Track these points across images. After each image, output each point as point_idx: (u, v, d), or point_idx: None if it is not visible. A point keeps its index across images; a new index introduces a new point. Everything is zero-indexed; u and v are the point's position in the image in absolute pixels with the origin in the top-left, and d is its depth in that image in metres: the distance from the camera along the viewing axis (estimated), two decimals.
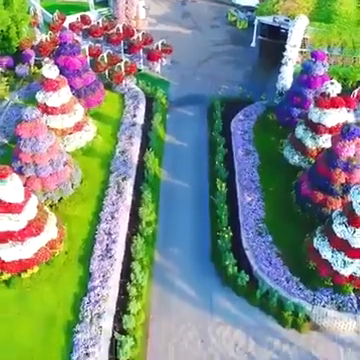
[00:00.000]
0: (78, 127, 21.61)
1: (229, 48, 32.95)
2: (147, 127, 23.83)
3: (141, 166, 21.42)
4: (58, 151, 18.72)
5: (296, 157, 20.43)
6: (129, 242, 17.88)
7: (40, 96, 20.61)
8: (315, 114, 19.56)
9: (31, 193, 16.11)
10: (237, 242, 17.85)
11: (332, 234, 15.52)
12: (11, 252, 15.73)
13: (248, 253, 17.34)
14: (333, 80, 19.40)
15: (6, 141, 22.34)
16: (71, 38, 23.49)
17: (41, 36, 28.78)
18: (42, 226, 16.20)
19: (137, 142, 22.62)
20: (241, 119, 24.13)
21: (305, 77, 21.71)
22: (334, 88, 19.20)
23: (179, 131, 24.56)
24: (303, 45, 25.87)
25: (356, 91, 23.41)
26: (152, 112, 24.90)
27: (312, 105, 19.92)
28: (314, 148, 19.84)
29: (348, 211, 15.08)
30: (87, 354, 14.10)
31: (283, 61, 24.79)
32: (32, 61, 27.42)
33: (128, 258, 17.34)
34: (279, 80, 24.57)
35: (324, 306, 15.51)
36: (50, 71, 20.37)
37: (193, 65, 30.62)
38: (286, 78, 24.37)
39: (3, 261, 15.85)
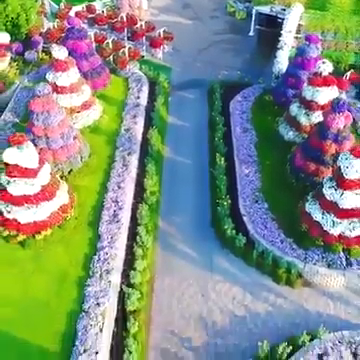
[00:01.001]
0: (86, 106, 22.94)
1: (228, 37, 34.29)
2: (150, 108, 25.14)
3: (145, 143, 22.70)
4: (68, 126, 20.04)
5: (290, 133, 21.76)
6: (135, 210, 19.21)
7: (50, 76, 21.89)
8: (308, 92, 20.89)
9: (45, 161, 17.43)
10: (235, 210, 19.15)
11: (322, 197, 16.85)
12: (26, 214, 17.06)
13: (245, 219, 18.65)
14: (325, 60, 20.68)
15: (17, 120, 23.60)
16: (78, 23, 24.81)
17: (48, 24, 30.10)
18: (54, 191, 17.54)
19: (141, 121, 23.93)
20: (239, 100, 25.44)
21: (299, 59, 23.03)
22: (326, 67, 20.50)
23: (180, 112, 25.91)
24: (298, 31, 27.22)
25: (348, 73, 24.73)
26: (155, 94, 26.24)
27: (305, 83, 21.24)
28: (307, 124, 21.13)
29: (337, 175, 16.41)
30: (98, 304, 15.38)
31: (279, 46, 26.12)
32: (40, 47, 28.74)
33: (134, 224, 18.64)
34: (275, 64, 25.92)
35: (315, 264, 16.77)
36: (60, 52, 21.69)
37: (194, 53, 31.95)
38: (282, 62, 25.70)
39: (19, 223, 17.16)
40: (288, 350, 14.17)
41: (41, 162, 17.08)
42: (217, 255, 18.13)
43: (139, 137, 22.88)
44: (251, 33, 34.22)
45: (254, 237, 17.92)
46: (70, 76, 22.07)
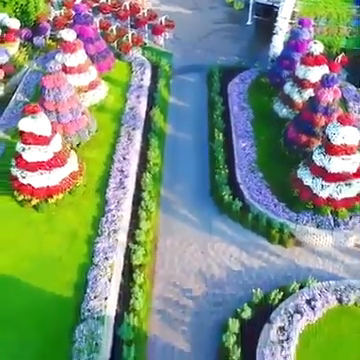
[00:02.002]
0: (92, 86, 24.45)
1: (227, 26, 35.79)
2: (153, 89, 26.63)
3: (148, 121, 24.19)
4: (77, 102, 21.53)
5: (284, 110, 23.24)
6: (139, 179, 20.69)
7: (59, 57, 23.37)
8: (301, 71, 22.39)
9: (56, 130, 18.90)
10: (232, 179, 20.61)
11: (312, 163, 18.34)
12: (40, 180, 18.54)
13: (241, 186, 20.12)
14: (316, 40, 22.16)
15: (27, 99, 25.07)
16: (84, 9, 26.30)
17: (55, 12, 31.59)
18: (65, 159, 19.02)
19: (144, 101, 25.41)
20: (237, 82, 26.93)
21: (293, 42, 24.54)
22: (317, 47, 22.02)
23: (181, 93, 27.41)
24: (292, 17, 28.70)
25: (339, 57, 26.22)
26: (157, 77, 27.73)
27: (298, 63, 22.72)
28: (300, 101, 22.60)
29: (325, 142, 17.90)
30: (106, 258, 16.85)
31: (274, 31, 27.61)
32: (48, 34, 30.22)
33: (138, 191, 20.11)
34: (271, 48, 27.44)
35: (305, 225, 18.26)
36: (68, 35, 23.20)
37: (194, 40, 33.43)
38: (277, 46, 27.19)
39: (33, 188, 18.64)
40: (279, 296, 15.65)
41: (53, 131, 18.56)
42: (215, 219, 19.60)
43: (143, 115, 24.35)
44: (249, 22, 35.71)
45: (249, 202, 19.39)
46: (78, 57, 23.58)
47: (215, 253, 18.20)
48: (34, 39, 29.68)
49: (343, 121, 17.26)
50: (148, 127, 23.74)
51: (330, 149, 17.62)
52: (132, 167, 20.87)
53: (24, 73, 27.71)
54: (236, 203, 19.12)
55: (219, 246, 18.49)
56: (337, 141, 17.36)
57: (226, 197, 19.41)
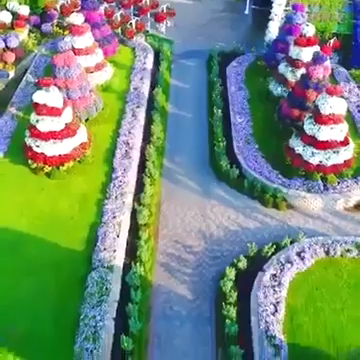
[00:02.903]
0: (98, 67, 26.03)
1: (226, 15, 37.34)
2: (155, 72, 28.22)
3: (151, 100, 25.76)
4: (85, 79, 23.10)
5: (279, 89, 24.78)
6: (143, 151, 22.24)
7: (68, 39, 24.91)
8: (294, 51, 23.95)
9: (67, 103, 20.47)
10: (230, 150, 22.17)
11: (304, 133, 19.92)
12: (53, 148, 20.07)
13: (239, 156, 21.69)
14: (308, 23, 23.73)
15: (37, 80, 26.57)
16: None
17: (62, 1, 33.17)
18: (76, 130, 20.58)
19: (147, 82, 26.99)
20: (235, 65, 28.52)
21: (287, 26, 26.08)
22: (309, 29, 23.62)
23: (182, 76, 28.96)
24: (287, 4, 30.25)
25: (331, 41, 27.80)
26: (159, 62, 29.31)
27: (292, 45, 24.30)
28: (293, 80, 24.09)
29: (315, 112, 19.48)
30: (114, 217, 18.42)
31: (270, 17, 29.18)
32: (55, 21, 31.80)
33: (142, 161, 21.68)
34: (267, 33, 29.06)
35: (297, 189, 19.81)
36: (77, 18, 24.79)
37: (194, 28, 34.96)
38: (272, 32, 28.79)
39: (46, 156, 20.20)
40: (272, 249, 17.24)
41: (65, 104, 20.12)
42: (214, 186, 21.15)
43: (146, 94, 25.93)
44: (246, 11, 37.26)
45: (246, 170, 20.96)
46: (85, 40, 25.16)
47: (214, 215, 19.76)
48: (42, 26, 31.23)
49: (331, 92, 18.83)
50: (151, 105, 25.30)
51: (319, 118, 19.19)
52: (137, 140, 22.43)
53: (33, 57, 29.31)
54: (233, 170, 20.69)
55: (218, 209, 20.05)
56: (326, 111, 18.92)
57: (224, 166, 20.98)
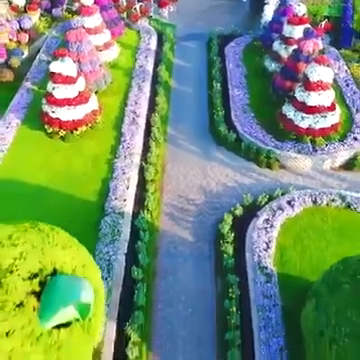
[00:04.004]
0: (106, 46, 28.11)
1: (225, 2, 39.39)
2: (159, 52, 30.32)
3: (155, 76, 27.86)
4: (95, 55, 25.17)
5: (273, 65, 26.85)
6: (149, 119, 24.31)
7: (79, 18, 26.99)
8: (287, 30, 26.03)
9: (80, 74, 22.54)
10: (228, 119, 24.23)
11: (294, 100, 21.99)
12: (67, 114, 22.12)
13: (236, 123, 23.76)
14: (300, 3, 25.81)
15: (50, 59, 28.66)
16: None
17: None
18: (88, 97, 22.65)
19: (152, 60, 29.07)
20: (233, 46, 30.61)
21: (282, 8, 28.17)
22: (301, 9, 25.71)
23: (184, 56, 31.05)
24: None
25: (323, 23, 29.89)
26: (162, 43, 31.42)
27: (285, 24, 26.38)
28: (286, 56, 26.18)
29: (304, 80, 21.55)
30: (124, 173, 20.49)
31: (266, 1, 31.28)
32: (65, 6, 33.90)
33: (148, 128, 23.74)
34: (263, 17, 31.13)
35: (289, 151, 21.89)
36: (87, 0, 26.88)
37: (195, 14, 37.05)
38: (268, 14, 30.86)
39: (61, 121, 22.26)
40: (266, 199, 19.33)
41: (78, 73, 22.20)
42: (214, 150, 23.21)
43: (151, 71, 28.02)
44: (244, 0, 39.39)
45: (242, 135, 23.03)
46: (94, 20, 27.26)
47: (213, 174, 21.83)
48: (53, 10, 33.32)
49: (319, 61, 20.91)
50: (155, 81, 27.40)
51: (308, 85, 21.25)
52: (143, 109, 24.51)
53: (45, 38, 31.40)
54: (231, 135, 22.77)
55: (217, 169, 22.11)
56: (314, 78, 20.99)
57: (223, 131, 23.06)
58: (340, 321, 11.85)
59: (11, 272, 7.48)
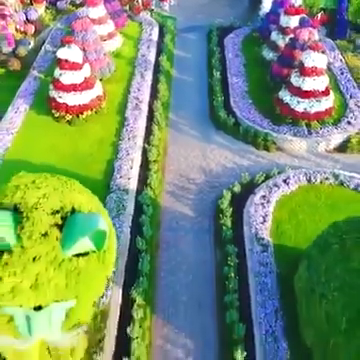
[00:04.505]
0: (110, 36, 29.17)
1: None
2: (160, 43, 31.37)
3: (157, 65, 28.91)
4: (100, 44, 26.23)
5: (271, 54, 27.90)
6: (151, 105, 25.35)
7: (84, 9, 28.09)
8: (284, 20, 27.09)
9: (86, 60, 23.59)
10: (227, 105, 25.28)
11: (290, 85, 23.04)
12: (73, 99, 23.14)
13: (235, 108, 24.81)
14: None
15: (55, 49, 29.70)
16: None
17: None
18: (93, 83, 23.69)
19: (153, 51, 30.10)
20: (232, 37, 31.65)
21: (279, 0, 29.25)
22: (297, 0, 26.78)
23: (185, 47, 32.08)
24: None
25: (319, 15, 30.95)
26: (163, 34, 32.47)
27: (282, 14, 27.43)
28: (283, 45, 27.23)
29: (300, 66, 22.60)
30: (128, 154, 21.50)
31: None
32: None
33: (150, 114, 24.78)
34: (261, 8, 32.20)
35: (285, 134, 22.91)
36: None
37: (195, 7, 38.02)
38: (265, 7, 31.93)
39: (67, 105, 23.29)
40: (262, 178, 20.37)
41: (84, 60, 23.26)
42: (213, 134, 24.24)
43: (152, 61, 29.07)
44: None
45: (240, 119, 24.07)
46: (99, 10, 28.32)
47: (213, 156, 22.86)
48: (57, 3, 34.38)
49: (313, 48, 21.97)
50: (157, 70, 28.44)
51: (304, 71, 22.30)
52: (145, 96, 25.54)
53: (50, 30, 32.44)
54: (230, 119, 23.81)
55: (216, 152, 23.15)
56: (309, 64, 22.05)
57: (222, 116, 24.10)
58: (329, 277, 12.89)
59: (36, 208, 8.61)
